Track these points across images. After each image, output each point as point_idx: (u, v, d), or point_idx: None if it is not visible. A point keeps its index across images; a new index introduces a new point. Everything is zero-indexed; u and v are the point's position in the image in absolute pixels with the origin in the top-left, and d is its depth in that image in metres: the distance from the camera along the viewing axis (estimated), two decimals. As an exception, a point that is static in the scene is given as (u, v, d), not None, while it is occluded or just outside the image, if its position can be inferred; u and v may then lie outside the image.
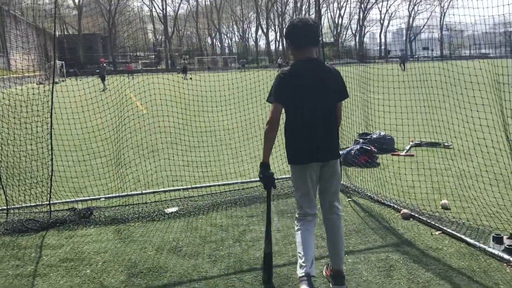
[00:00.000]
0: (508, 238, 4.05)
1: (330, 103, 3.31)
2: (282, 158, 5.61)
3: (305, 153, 3.26)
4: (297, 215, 3.42)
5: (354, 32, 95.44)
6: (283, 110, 3.21)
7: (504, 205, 4.86)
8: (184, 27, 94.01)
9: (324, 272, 3.67)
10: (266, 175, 3.20)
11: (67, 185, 6.32)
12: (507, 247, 3.90)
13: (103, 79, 27.81)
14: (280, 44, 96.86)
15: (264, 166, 3.20)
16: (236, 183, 6.43)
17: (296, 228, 3.39)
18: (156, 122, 7.47)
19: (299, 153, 3.29)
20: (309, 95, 3.20)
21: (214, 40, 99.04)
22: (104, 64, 30.87)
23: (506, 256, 3.81)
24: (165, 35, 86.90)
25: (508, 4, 4.15)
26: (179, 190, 6.18)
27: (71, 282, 3.72)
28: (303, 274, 3.20)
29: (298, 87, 3.18)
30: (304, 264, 3.22)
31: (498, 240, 4.02)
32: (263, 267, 3.51)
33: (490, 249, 3.97)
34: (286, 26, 3.26)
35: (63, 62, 43.83)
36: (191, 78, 8.06)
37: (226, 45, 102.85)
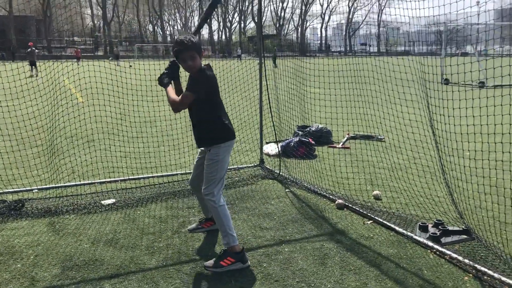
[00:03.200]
0: (432, 226, 4.33)
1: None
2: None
3: (232, 129, 3.94)
4: (220, 192, 3.83)
5: (296, 25, 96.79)
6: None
7: (431, 195, 5.18)
8: (124, 13, 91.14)
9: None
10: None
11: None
12: (431, 235, 4.18)
13: (33, 65, 26.21)
14: (223, 34, 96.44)
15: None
16: (176, 174, 6.39)
17: (221, 203, 3.79)
18: (92, 111, 7.22)
19: (231, 129, 3.92)
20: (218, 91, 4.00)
21: (156, 28, 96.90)
22: (33, 48, 29.06)
23: (430, 243, 4.08)
24: (104, 20, 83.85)
25: (438, 6, 4.41)
26: (116, 181, 6.05)
27: None
28: (241, 246, 3.83)
29: (216, 85, 3.91)
30: (235, 235, 3.81)
31: (424, 228, 4.30)
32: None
33: (416, 237, 4.23)
34: (189, 42, 3.70)
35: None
36: (130, 66, 7.79)
37: (168, 33, 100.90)
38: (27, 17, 70.17)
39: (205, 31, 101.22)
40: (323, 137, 8.47)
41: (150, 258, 3.91)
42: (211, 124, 3.86)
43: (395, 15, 4.83)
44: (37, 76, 22.10)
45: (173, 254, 4.00)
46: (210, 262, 3.73)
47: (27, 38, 58.49)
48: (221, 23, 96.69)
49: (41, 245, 4.17)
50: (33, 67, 26.11)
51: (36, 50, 31.00)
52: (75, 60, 33.31)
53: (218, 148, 3.84)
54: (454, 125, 4.37)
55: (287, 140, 7.70)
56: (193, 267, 3.77)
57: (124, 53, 67.91)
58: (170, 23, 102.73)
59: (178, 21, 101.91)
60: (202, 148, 4.06)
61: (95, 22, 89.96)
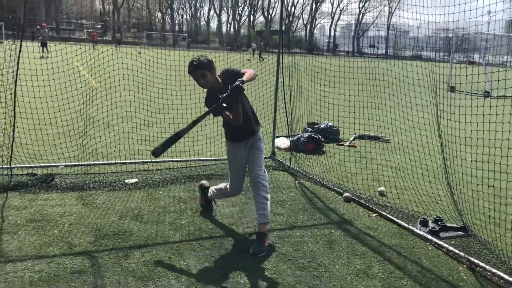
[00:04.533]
0: (432, 222, 4.71)
1: None
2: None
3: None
4: None
5: (305, 22, 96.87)
6: None
7: (433, 194, 5.55)
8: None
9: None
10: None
11: (26, 151, 6.34)
12: (431, 229, 4.56)
13: (44, 45, 26.48)
14: (232, 26, 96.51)
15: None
16: (193, 160, 6.75)
17: None
18: (105, 94, 7.51)
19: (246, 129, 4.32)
20: None
21: (165, 16, 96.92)
22: (46, 30, 29.39)
23: (429, 237, 4.46)
24: (114, 5, 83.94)
25: (448, 14, 4.72)
26: (137, 163, 6.42)
27: (40, 241, 3.94)
28: None
29: None
30: None
31: (424, 223, 4.68)
32: (166, 140, 4.05)
33: (417, 231, 4.61)
34: (197, 62, 4.01)
35: (2, 23, 41.36)
36: (139, 53, 8.03)
37: (176, 22, 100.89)
38: (37, -4, 70.14)
39: (213, 23, 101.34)
40: (332, 135, 8.83)
41: (174, 233, 4.29)
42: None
43: (405, 19, 5.14)
44: (47, 57, 22.39)
45: (195, 230, 4.38)
46: (260, 249, 4.01)
47: (38, 19, 58.62)
48: (230, 16, 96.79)
49: (73, 215, 4.55)
50: (44, 48, 26.39)
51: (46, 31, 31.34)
52: (91, 43, 33.49)
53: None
54: (460, 130, 4.73)
55: (297, 136, 8.06)
56: (213, 243, 4.15)
57: (132, 39, 68.15)
58: (180, 12, 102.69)
59: (188, 10, 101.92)
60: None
61: (105, 6, 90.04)
